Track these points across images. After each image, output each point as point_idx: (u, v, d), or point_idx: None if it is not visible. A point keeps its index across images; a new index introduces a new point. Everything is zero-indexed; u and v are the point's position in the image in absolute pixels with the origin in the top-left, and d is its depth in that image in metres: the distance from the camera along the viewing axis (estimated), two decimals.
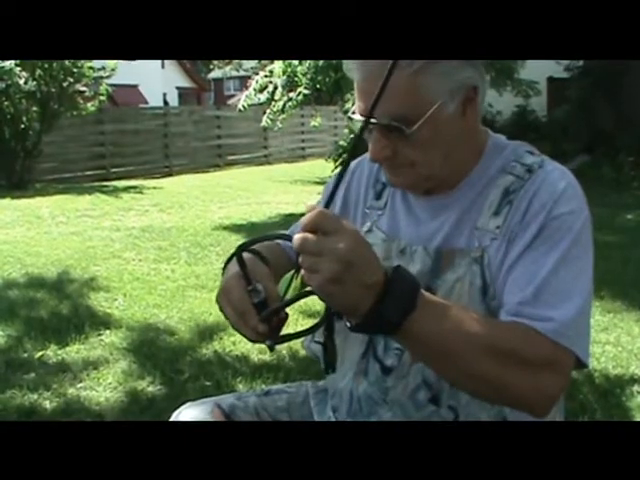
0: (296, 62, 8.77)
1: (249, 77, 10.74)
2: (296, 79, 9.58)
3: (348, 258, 0.80)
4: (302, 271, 0.83)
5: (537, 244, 1.00)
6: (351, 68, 1.03)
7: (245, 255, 1.02)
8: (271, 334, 0.97)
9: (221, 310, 1.04)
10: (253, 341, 1.00)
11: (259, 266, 1.05)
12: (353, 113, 1.06)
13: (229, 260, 1.07)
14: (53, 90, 11.18)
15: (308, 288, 0.86)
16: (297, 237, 0.81)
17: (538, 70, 9.76)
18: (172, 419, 1.22)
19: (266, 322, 0.96)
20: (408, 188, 1.14)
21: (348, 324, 0.89)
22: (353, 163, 1.28)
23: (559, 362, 0.95)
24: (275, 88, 9.68)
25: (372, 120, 0.99)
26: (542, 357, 0.93)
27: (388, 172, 1.11)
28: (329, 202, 0.87)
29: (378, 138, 1.03)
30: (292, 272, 0.94)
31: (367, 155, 1.15)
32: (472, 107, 1.05)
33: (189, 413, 1.21)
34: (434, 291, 1.03)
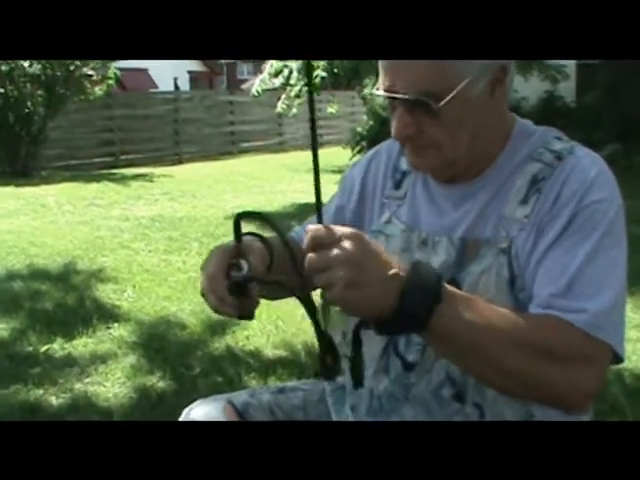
0: None
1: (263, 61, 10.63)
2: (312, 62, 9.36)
3: (356, 260, 0.82)
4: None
5: (568, 234, 0.99)
6: None
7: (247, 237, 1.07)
8: (241, 310, 1.00)
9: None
10: (216, 311, 1.02)
11: (254, 242, 1.08)
12: (377, 89, 1.06)
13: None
14: (59, 73, 11.12)
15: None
16: (305, 262, 0.83)
17: None
18: (183, 417, 1.23)
19: (234, 294, 0.99)
20: (431, 172, 1.13)
21: (376, 330, 0.89)
22: (371, 152, 1.28)
23: (594, 356, 0.94)
24: (290, 72, 9.77)
25: (397, 95, 1.01)
26: (576, 350, 0.93)
27: (410, 154, 1.10)
28: (321, 218, 0.86)
29: (402, 114, 1.03)
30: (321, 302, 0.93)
31: (385, 143, 1.18)
32: (501, 88, 1.05)
33: (200, 410, 1.22)
34: (459, 283, 1.03)
